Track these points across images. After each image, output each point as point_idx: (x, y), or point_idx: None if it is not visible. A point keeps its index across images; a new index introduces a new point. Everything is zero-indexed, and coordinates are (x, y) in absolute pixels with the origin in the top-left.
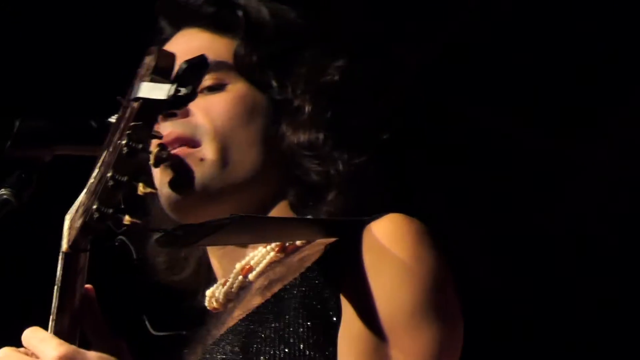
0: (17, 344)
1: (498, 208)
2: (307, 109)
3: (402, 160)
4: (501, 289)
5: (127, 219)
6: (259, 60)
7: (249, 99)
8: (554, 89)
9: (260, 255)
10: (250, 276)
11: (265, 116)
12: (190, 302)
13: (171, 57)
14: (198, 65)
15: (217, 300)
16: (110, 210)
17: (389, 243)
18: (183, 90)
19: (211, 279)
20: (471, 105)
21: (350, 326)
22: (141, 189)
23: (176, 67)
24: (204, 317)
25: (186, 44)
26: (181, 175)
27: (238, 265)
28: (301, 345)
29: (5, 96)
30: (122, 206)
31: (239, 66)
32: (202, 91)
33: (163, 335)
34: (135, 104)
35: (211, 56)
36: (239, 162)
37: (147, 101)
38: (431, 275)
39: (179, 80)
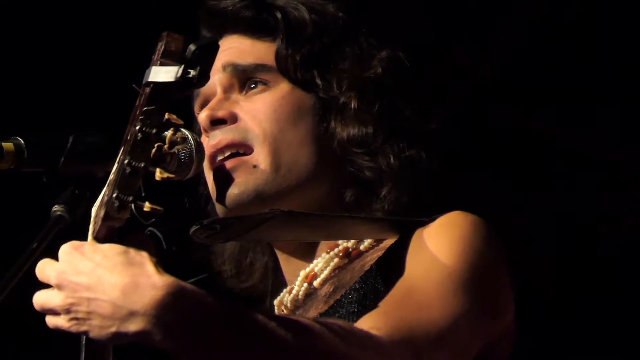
0: None
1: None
2: (353, 104)
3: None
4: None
5: (147, 205)
6: (301, 60)
7: (295, 99)
8: (619, 99)
9: (324, 261)
10: (315, 283)
11: (313, 115)
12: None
13: (179, 40)
14: (208, 47)
15: (285, 308)
16: (130, 198)
17: (439, 227)
18: (192, 72)
19: (280, 283)
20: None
21: (389, 289)
22: (158, 174)
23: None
24: None
25: (227, 50)
26: (228, 187)
27: (302, 273)
28: None
29: (57, 112)
30: (143, 193)
31: (282, 67)
32: (246, 94)
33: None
34: (147, 89)
35: (253, 59)
36: (291, 164)
37: (156, 85)
38: (478, 258)
39: (188, 62)
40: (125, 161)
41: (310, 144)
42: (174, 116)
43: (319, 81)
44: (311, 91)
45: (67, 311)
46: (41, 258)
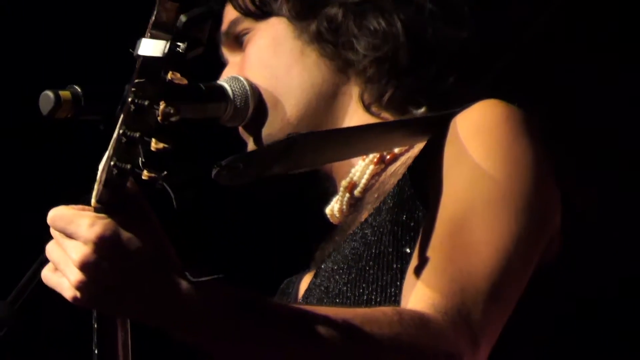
0: None
1: None
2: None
3: None
4: None
5: (145, 174)
6: None
7: (271, 31)
8: None
9: (360, 170)
10: (356, 192)
11: (291, 38)
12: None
13: (172, 9)
14: (199, 17)
15: (334, 217)
16: (128, 166)
17: (474, 131)
18: (181, 46)
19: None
20: None
21: (429, 217)
22: (153, 145)
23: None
24: (332, 231)
25: (225, 14)
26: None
27: (343, 182)
28: (389, 258)
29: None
30: (143, 160)
31: (243, 10)
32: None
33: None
34: (138, 61)
35: (231, 18)
36: (286, 92)
37: (146, 58)
38: (518, 165)
39: (178, 35)
40: (121, 131)
41: (297, 64)
42: (178, 75)
43: (276, 3)
44: (280, 16)
45: (81, 289)
46: None
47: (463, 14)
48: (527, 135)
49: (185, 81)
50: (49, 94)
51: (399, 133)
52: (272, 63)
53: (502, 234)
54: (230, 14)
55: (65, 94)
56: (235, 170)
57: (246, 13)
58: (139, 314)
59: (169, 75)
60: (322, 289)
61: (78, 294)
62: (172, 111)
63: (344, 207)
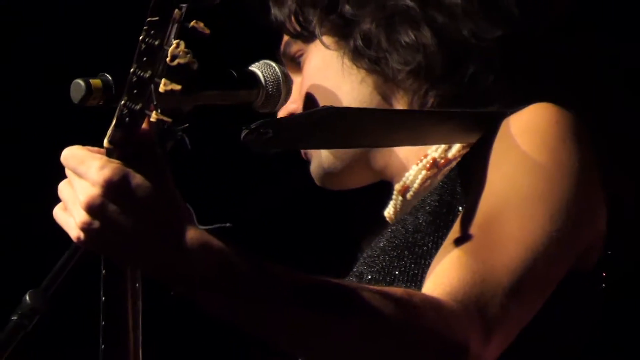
0: None
1: None
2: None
3: None
4: None
5: (153, 115)
6: (295, 17)
7: (318, 54)
8: None
9: (413, 174)
10: (408, 195)
11: (335, 58)
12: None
13: None
14: None
15: (392, 219)
16: (138, 106)
17: (522, 130)
18: None
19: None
20: None
21: (466, 209)
22: (162, 86)
23: None
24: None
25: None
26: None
27: (397, 186)
28: (424, 249)
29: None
30: (154, 102)
31: (292, 33)
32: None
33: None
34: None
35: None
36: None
37: None
38: (561, 167)
39: None
40: (131, 70)
41: (344, 84)
42: (201, 24)
43: (317, 24)
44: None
45: (85, 230)
46: None
47: (504, 6)
48: (575, 141)
49: (208, 31)
50: (80, 82)
51: (446, 126)
52: (323, 85)
53: (534, 232)
54: (285, 36)
55: (95, 82)
56: (264, 135)
57: (294, 36)
58: (142, 261)
59: (192, 23)
60: (357, 274)
61: (82, 235)
62: (181, 52)
63: (398, 209)
